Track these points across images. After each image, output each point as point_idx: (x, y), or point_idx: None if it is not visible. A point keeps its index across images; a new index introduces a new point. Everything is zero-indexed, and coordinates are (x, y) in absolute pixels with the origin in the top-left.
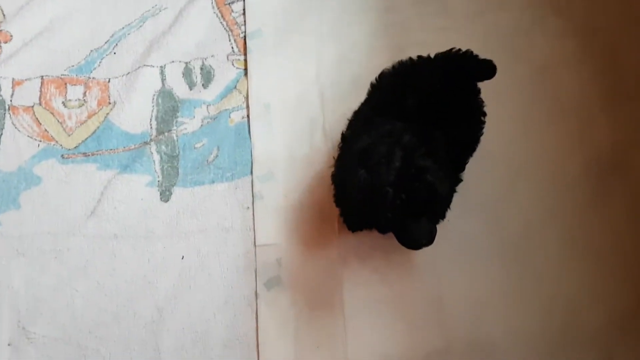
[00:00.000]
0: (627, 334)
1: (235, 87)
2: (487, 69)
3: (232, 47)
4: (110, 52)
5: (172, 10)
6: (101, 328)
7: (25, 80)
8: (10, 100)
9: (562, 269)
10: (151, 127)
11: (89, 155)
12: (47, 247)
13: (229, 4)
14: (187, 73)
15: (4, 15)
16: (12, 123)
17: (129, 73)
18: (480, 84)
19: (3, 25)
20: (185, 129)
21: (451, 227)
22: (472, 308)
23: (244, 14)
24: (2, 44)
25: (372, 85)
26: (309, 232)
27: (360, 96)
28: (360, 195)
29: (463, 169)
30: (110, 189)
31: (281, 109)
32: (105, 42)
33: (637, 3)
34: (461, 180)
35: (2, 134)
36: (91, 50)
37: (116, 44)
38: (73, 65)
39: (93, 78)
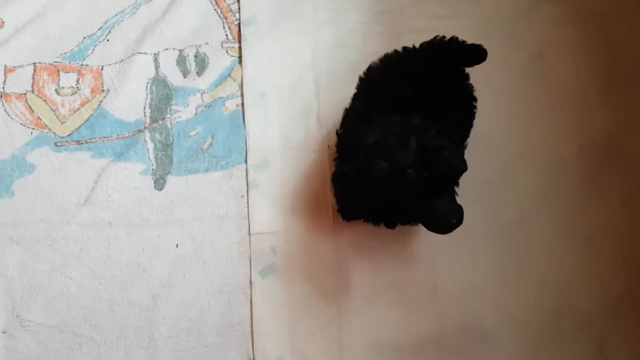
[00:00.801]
0: (618, 319)
1: (229, 75)
2: (477, 54)
3: (227, 35)
4: (104, 39)
5: None
6: (96, 315)
7: (18, 67)
8: (3, 88)
9: (556, 255)
10: (145, 115)
11: (82, 143)
12: (41, 235)
13: None
14: (181, 60)
15: None
16: (5, 110)
17: (122, 60)
18: (476, 72)
19: None
20: (180, 117)
21: None
22: (466, 294)
23: (238, 1)
24: None
25: (360, 79)
26: (303, 221)
27: (355, 84)
28: (382, 184)
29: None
30: (104, 177)
31: (276, 96)
32: (99, 29)
33: None
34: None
35: None
36: (84, 37)
37: (109, 31)
38: (66, 52)
39: (86, 65)
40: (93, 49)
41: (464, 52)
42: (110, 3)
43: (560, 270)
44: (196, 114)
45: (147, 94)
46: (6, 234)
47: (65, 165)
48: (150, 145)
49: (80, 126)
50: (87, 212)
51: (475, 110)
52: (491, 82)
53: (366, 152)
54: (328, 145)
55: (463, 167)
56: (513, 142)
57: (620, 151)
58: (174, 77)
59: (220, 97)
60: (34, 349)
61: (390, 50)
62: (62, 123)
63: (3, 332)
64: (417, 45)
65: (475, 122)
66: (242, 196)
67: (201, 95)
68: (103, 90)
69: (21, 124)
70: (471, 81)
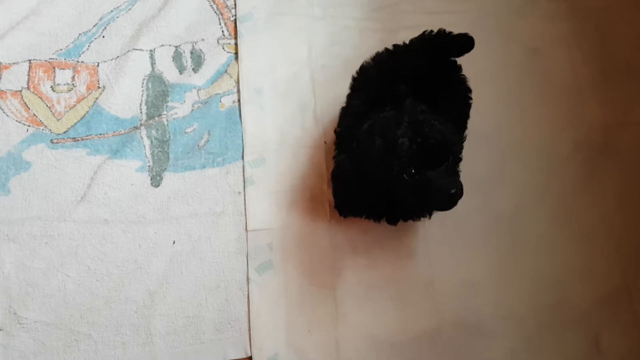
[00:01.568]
0: (614, 313)
1: (226, 71)
2: (465, 42)
3: (223, 31)
4: (99, 36)
5: None
6: (93, 313)
7: (13, 64)
8: None
9: (552, 250)
10: (141, 112)
11: (78, 140)
12: (38, 232)
13: None
14: (177, 57)
15: None
16: (0, 108)
17: (118, 57)
18: (472, 67)
19: None
20: (176, 113)
21: None
22: (462, 290)
23: None
24: None
25: (354, 79)
26: (300, 217)
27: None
28: (379, 159)
29: (461, 147)
30: (100, 174)
31: (272, 92)
32: (94, 25)
33: None
34: (460, 159)
35: None
36: (79, 34)
37: (105, 27)
38: (61, 49)
39: (82, 62)
40: (88, 46)
41: (452, 42)
42: None
43: (556, 265)
44: (192, 110)
45: (143, 90)
46: (2, 231)
47: (61, 163)
48: (147, 142)
49: (76, 123)
50: (83, 209)
51: (470, 102)
52: (486, 77)
53: (361, 137)
54: (325, 142)
55: (455, 140)
56: (508, 137)
57: (615, 145)
58: (170, 73)
59: (216, 94)
60: (31, 347)
61: (386, 46)
62: (58, 120)
63: (0, 330)
64: (407, 42)
65: (471, 117)
66: (239, 193)
67: (197, 92)
68: (99, 87)
69: (17, 121)
70: (467, 76)
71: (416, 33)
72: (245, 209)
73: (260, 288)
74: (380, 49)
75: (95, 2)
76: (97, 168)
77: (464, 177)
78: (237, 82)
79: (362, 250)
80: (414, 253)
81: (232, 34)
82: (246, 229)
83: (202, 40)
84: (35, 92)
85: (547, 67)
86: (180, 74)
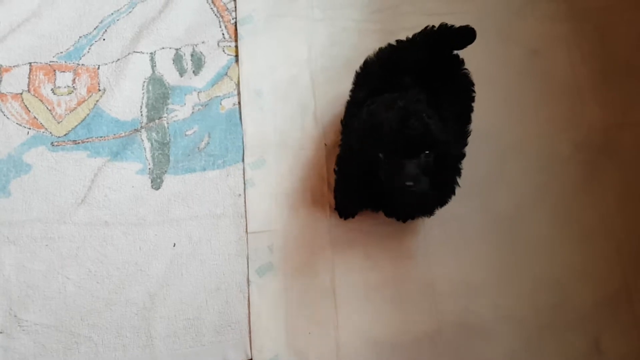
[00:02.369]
0: (614, 314)
1: (226, 73)
2: (466, 34)
3: (223, 34)
4: (100, 39)
5: None
6: (93, 315)
7: (14, 66)
8: None
9: (552, 250)
10: (141, 114)
11: (79, 142)
12: (38, 235)
13: None
14: (177, 59)
15: None
16: (1, 110)
17: (118, 59)
18: (472, 67)
19: None
20: (176, 115)
21: (442, 210)
22: (463, 290)
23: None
24: None
25: (357, 74)
26: (300, 219)
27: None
28: (361, 134)
29: (465, 143)
30: (100, 176)
31: (272, 94)
32: (95, 28)
33: None
34: (463, 155)
35: None
36: (80, 37)
37: (105, 30)
38: (62, 52)
39: (82, 65)
40: (89, 48)
41: (454, 34)
42: (105, 2)
43: (556, 265)
44: (193, 112)
45: (143, 93)
46: (3, 234)
47: (61, 165)
48: (147, 144)
49: (76, 126)
50: (83, 211)
51: (473, 95)
52: (486, 78)
53: (359, 119)
54: (325, 144)
55: (441, 138)
56: (508, 137)
57: (615, 145)
58: (170, 76)
59: (216, 96)
60: (32, 349)
61: None
62: (59, 123)
63: (0, 332)
64: (409, 37)
65: (471, 117)
66: (239, 195)
67: (198, 94)
68: (99, 90)
69: (17, 123)
70: (469, 71)
71: None
72: (245, 211)
73: (260, 290)
74: (371, 54)
75: (96, 5)
76: (97, 170)
77: (464, 177)
78: (238, 84)
79: (363, 251)
80: (414, 254)
81: (233, 36)
82: (246, 231)
83: (203, 42)
84: (36, 95)
85: (547, 67)
86: (181, 76)
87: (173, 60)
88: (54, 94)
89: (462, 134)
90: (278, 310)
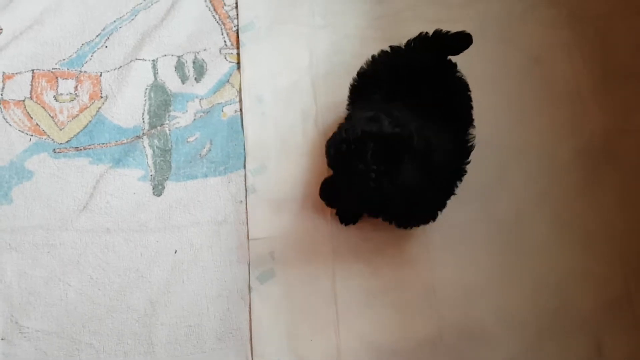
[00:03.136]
0: (616, 318)
1: (227, 80)
2: (464, 39)
3: (225, 41)
4: (102, 46)
5: (164, 3)
6: (94, 322)
7: (16, 74)
8: (1, 95)
9: (553, 255)
10: (143, 121)
11: (81, 149)
12: (40, 241)
13: None
14: (179, 67)
15: None
16: (3, 117)
17: (121, 67)
18: (473, 73)
19: None
20: (178, 122)
21: (443, 216)
22: (464, 297)
23: (236, 7)
24: None
25: (352, 86)
26: (302, 225)
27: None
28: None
29: (468, 153)
30: (102, 183)
31: (274, 101)
32: (97, 36)
33: None
34: (464, 172)
35: None
36: (82, 44)
37: (108, 37)
38: (64, 59)
39: (84, 72)
40: (91, 56)
41: (450, 39)
42: (108, 9)
43: (558, 270)
44: (195, 119)
45: (145, 100)
46: (4, 240)
47: (63, 172)
48: (149, 151)
49: (78, 132)
50: (85, 218)
51: (469, 94)
52: (487, 84)
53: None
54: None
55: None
56: (510, 143)
57: (616, 151)
58: (172, 83)
59: (218, 103)
60: (33, 356)
61: None
62: (61, 129)
63: (2, 339)
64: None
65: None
66: (241, 201)
67: (199, 101)
68: (101, 97)
69: (19, 130)
70: (468, 83)
71: None
72: (247, 218)
73: (262, 296)
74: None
75: (98, 12)
76: (99, 177)
77: (465, 183)
78: (239, 91)
79: (364, 258)
80: (415, 260)
81: (234, 43)
82: (248, 237)
83: (205, 50)
84: (38, 102)
85: (548, 73)
86: (183, 83)
87: (175, 68)
88: (56, 101)
89: (463, 141)
90: (279, 317)
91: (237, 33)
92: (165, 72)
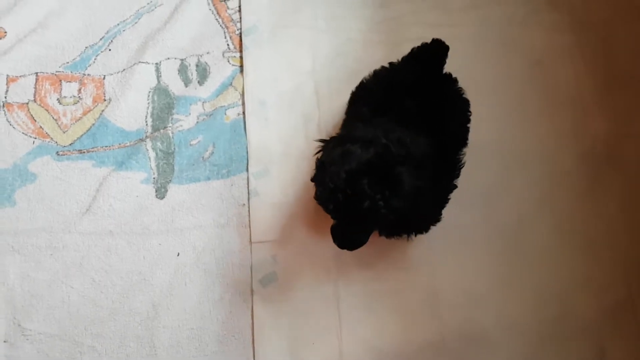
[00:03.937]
0: (619, 325)
1: (231, 84)
2: (437, 47)
3: (228, 44)
4: (106, 49)
5: (168, 7)
6: (97, 324)
7: (20, 76)
8: (5, 97)
9: (555, 261)
10: (147, 124)
11: (84, 152)
12: (43, 244)
13: (225, 0)
14: (182, 70)
15: None
16: (7, 120)
17: (124, 70)
18: (475, 79)
19: None
20: (181, 125)
21: (445, 221)
22: (466, 301)
23: (239, 10)
24: None
25: (350, 96)
26: (304, 229)
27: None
28: (319, 164)
29: (458, 171)
30: (105, 185)
31: (276, 104)
32: (101, 39)
33: None
34: (455, 186)
35: None
36: (86, 47)
37: (111, 41)
38: (68, 62)
39: (88, 75)
40: (95, 59)
41: (425, 50)
42: (111, 12)
43: (560, 276)
44: (197, 122)
45: (148, 103)
46: (7, 242)
47: (66, 175)
48: (152, 154)
49: (81, 135)
50: (88, 221)
51: (469, 115)
52: (490, 88)
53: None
54: None
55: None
56: (511, 148)
57: (619, 156)
58: (175, 86)
59: (221, 106)
60: (35, 358)
61: (389, 58)
62: (64, 132)
63: (4, 342)
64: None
65: (474, 128)
66: (243, 205)
67: (202, 104)
68: (105, 100)
69: (23, 133)
70: (470, 88)
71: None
72: (249, 221)
73: (264, 300)
74: (384, 61)
75: (102, 16)
76: (102, 180)
77: (467, 189)
78: (242, 94)
79: (366, 262)
80: (417, 264)
81: (237, 47)
82: (250, 241)
83: (208, 53)
84: (42, 105)
85: (550, 78)
86: (186, 86)
87: (178, 71)
88: (60, 103)
89: (453, 164)
90: (281, 321)
91: (240, 36)
92: (168, 75)
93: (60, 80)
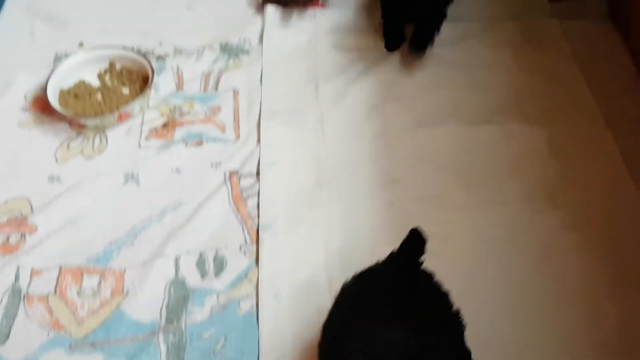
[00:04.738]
0: None
1: (246, 276)
2: (414, 240)
3: (245, 238)
4: (129, 244)
5: (192, 205)
6: None
7: (44, 270)
8: (27, 290)
9: None
10: (161, 316)
11: (96, 345)
12: None
13: (245, 198)
14: (200, 263)
15: (32, 209)
16: (25, 312)
17: (144, 263)
18: (481, 280)
19: (30, 218)
20: (195, 318)
21: None
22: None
23: (258, 207)
24: (27, 235)
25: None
26: None
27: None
28: None
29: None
30: None
31: (290, 297)
32: (125, 234)
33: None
34: None
35: (13, 323)
36: (111, 242)
37: (135, 236)
38: (91, 256)
39: (110, 268)
40: (118, 252)
41: (407, 244)
42: (138, 210)
43: None
44: (211, 315)
45: (165, 295)
46: None
47: None
48: (163, 347)
49: (96, 327)
50: None
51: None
52: (497, 286)
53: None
54: None
55: None
56: (520, 342)
57: (634, 350)
58: (192, 278)
59: (235, 298)
60: None
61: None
62: (79, 325)
63: None
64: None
65: (479, 327)
66: None
67: (217, 296)
68: (123, 292)
69: (39, 325)
70: (474, 287)
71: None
72: None
73: None
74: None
75: (129, 213)
76: None
77: None
78: (256, 286)
79: None
80: None
81: (254, 241)
82: None
83: (226, 246)
84: (62, 297)
85: (559, 273)
86: (202, 279)
87: (196, 264)
88: (79, 296)
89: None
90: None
91: (257, 231)
92: (186, 268)
93: (82, 273)
